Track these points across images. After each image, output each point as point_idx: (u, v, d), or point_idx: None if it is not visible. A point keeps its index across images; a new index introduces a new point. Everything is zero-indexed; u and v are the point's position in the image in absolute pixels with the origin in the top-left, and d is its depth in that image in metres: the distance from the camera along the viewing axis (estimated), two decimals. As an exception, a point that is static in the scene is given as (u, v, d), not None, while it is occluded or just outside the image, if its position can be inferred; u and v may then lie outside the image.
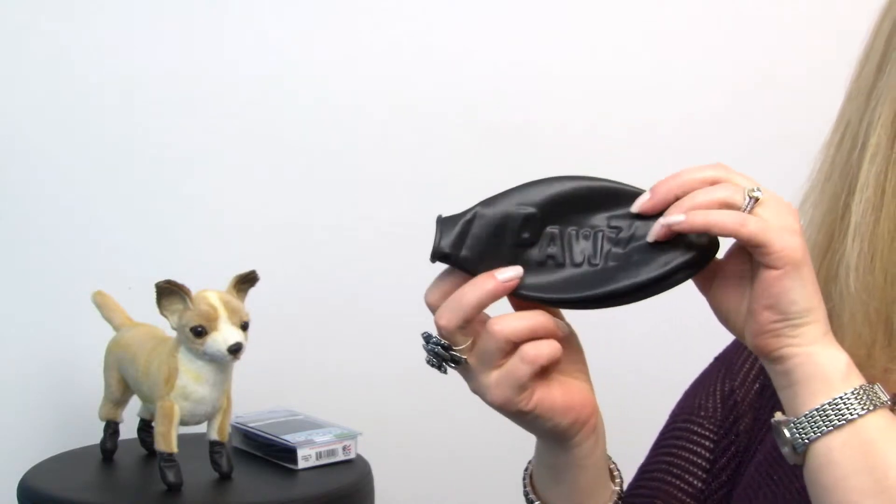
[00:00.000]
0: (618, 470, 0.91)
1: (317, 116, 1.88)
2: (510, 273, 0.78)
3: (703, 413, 1.00)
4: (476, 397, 0.81)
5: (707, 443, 0.99)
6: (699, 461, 0.99)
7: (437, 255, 0.80)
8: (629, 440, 1.08)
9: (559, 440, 0.84)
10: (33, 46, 1.75)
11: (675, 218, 0.76)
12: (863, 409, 0.76)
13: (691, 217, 0.75)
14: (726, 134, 2.02)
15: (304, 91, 1.87)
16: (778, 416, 0.80)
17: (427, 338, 0.80)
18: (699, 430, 1.00)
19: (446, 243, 0.79)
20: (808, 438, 0.77)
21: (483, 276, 0.78)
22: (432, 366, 0.81)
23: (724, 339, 0.94)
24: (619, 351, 1.97)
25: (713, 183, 0.77)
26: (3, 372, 1.77)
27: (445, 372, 0.81)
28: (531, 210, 0.79)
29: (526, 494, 0.90)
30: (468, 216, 0.80)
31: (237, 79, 1.84)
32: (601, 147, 1.98)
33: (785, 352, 0.78)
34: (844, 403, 0.77)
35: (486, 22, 1.94)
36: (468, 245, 0.79)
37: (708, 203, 0.76)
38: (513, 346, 0.78)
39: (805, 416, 0.77)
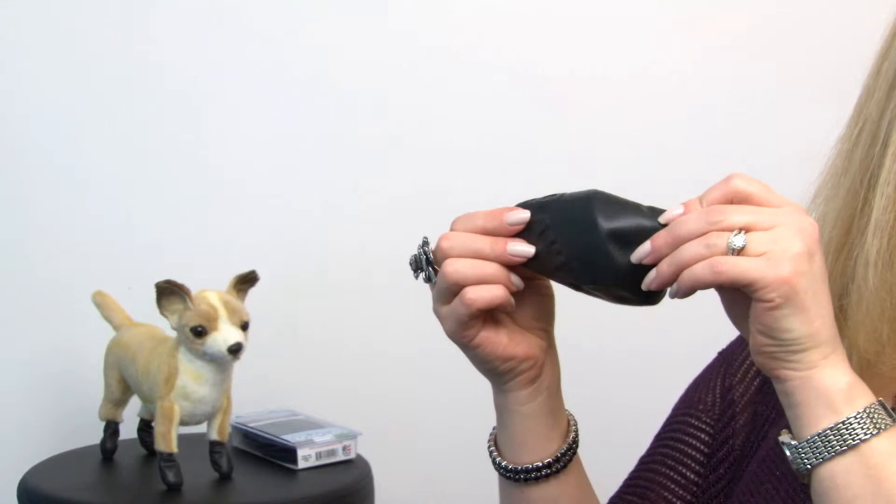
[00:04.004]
0: (575, 434, 0.92)
1: (317, 116, 1.88)
2: (520, 249, 0.83)
3: (701, 407, 1.01)
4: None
5: (703, 436, 1.00)
6: (694, 453, 0.99)
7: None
8: (634, 436, 1.09)
9: (494, 382, 0.89)
10: (34, 45, 1.75)
11: (673, 288, 0.79)
12: (866, 433, 0.76)
13: (680, 283, 0.78)
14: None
15: (304, 91, 1.87)
16: (784, 435, 0.80)
17: (425, 242, 0.85)
18: (696, 423, 1.00)
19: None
20: (811, 464, 0.77)
21: (500, 239, 0.83)
22: (411, 266, 0.86)
23: (730, 334, 0.94)
24: (620, 343, 1.97)
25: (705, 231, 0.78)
26: (2, 372, 1.77)
27: (416, 278, 0.86)
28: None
29: (488, 442, 0.94)
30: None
31: (238, 78, 1.84)
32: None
33: (783, 374, 0.78)
34: (847, 428, 0.76)
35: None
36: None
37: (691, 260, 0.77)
38: (461, 288, 0.83)
39: (808, 440, 0.77)
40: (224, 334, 1.45)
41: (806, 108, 1.85)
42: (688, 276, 0.77)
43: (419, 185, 1.91)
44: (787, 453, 0.78)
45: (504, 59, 1.94)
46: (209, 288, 1.48)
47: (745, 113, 2.04)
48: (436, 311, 0.86)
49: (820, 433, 0.77)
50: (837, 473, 0.76)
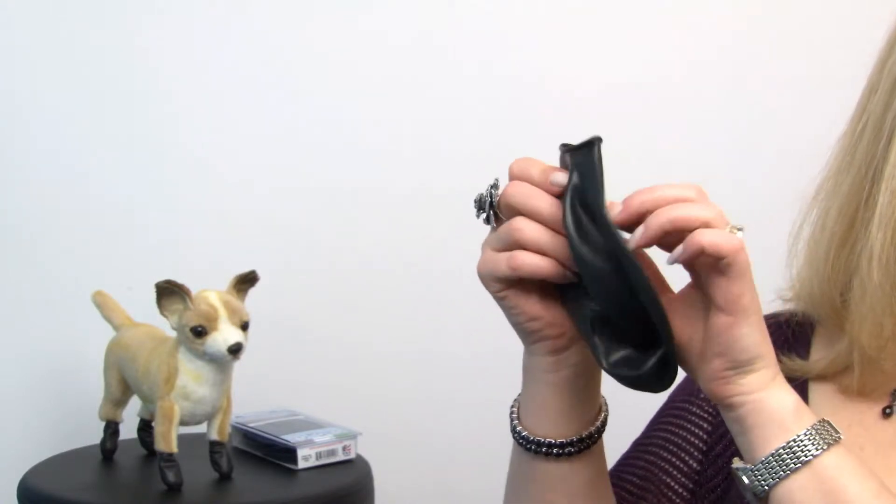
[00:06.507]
0: (601, 423, 0.89)
1: (318, 116, 1.88)
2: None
3: (702, 395, 1.01)
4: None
5: (705, 425, 1.00)
6: (696, 441, 1.00)
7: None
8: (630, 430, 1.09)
9: (522, 339, 0.86)
10: (34, 45, 1.75)
11: (681, 248, 0.75)
12: (817, 449, 0.77)
13: (693, 240, 0.74)
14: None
15: (305, 91, 1.87)
16: (736, 462, 0.80)
17: (495, 185, 0.84)
18: (697, 412, 1.01)
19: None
20: (767, 485, 0.78)
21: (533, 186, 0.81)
22: (475, 205, 0.85)
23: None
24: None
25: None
26: (3, 372, 1.77)
27: (478, 217, 0.85)
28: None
29: (511, 406, 0.91)
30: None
31: (238, 79, 1.84)
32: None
33: (735, 399, 0.78)
34: (798, 446, 0.77)
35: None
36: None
37: (691, 220, 0.75)
38: (518, 246, 0.80)
39: (762, 462, 0.78)
40: (224, 334, 1.45)
41: (806, 108, 1.85)
42: (711, 237, 0.74)
43: (419, 185, 1.91)
44: (744, 479, 0.79)
45: (503, 60, 1.94)
46: (209, 288, 1.48)
47: (745, 111, 2.04)
48: (484, 247, 0.84)
49: (773, 453, 0.77)
50: (794, 491, 0.77)
